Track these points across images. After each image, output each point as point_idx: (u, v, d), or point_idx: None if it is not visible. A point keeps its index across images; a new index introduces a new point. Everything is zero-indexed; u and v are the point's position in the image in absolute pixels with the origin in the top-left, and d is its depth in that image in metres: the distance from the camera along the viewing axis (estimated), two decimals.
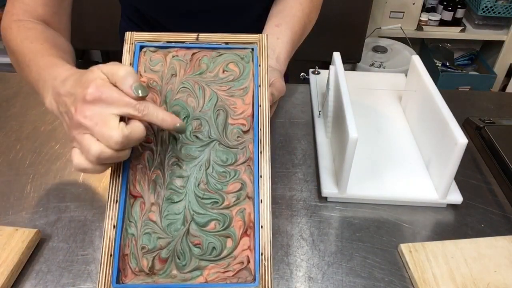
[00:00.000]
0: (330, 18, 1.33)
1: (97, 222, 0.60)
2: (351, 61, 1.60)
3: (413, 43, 2.01)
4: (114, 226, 0.44)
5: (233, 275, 0.43)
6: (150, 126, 0.48)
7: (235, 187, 0.46)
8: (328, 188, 0.65)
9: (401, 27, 1.96)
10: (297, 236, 0.60)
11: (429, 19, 2.08)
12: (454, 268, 0.54)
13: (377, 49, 2.01)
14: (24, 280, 0.53)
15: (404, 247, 0.57)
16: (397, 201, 0.65)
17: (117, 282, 0.42)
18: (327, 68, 0.78)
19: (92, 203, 0.63)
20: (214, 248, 0.44)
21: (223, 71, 0.51)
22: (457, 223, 0.63)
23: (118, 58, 0.51)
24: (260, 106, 0.49)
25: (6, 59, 1.89)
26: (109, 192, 0.45)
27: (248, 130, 0.48)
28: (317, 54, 1.28)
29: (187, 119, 0.48)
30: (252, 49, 0.52)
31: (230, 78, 0.50)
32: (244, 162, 0.47)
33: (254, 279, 0.42)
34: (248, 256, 0.43)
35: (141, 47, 0.51)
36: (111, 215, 0.44)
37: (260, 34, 0.52)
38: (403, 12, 2.04)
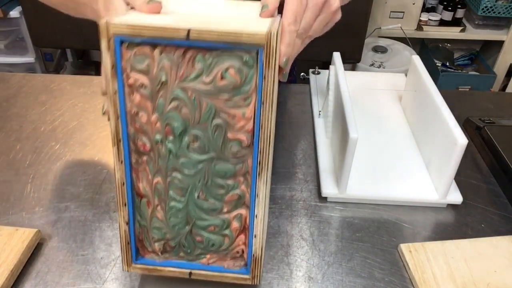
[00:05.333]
0: None
1: (97, 222, 0.60)
2: (351, 61, 1.60)
3: (413, 43, 2.01)
4: (126, 223, 0.48)
5: (230, 259, 0.50)
6: (147, 134, 0.45)
7: (232, 197, 0.47)
8: (328, 188, 0.65)
9: (401, 27, 1.96)
10: (297, 236, 0.60)
11: (429, 19, 2.08)
12: (454, 268, 0.54)
13: (377, 49, 2.01)
14: (24, 280, 0.53)
15: (404, 247, 0.57)
16: (397, 201, 0.65)
17: (136, 259, 0.50)
18: (327, 68, 0.78)
19: (92, 203, 0.63)
20: (213, 244, 0.49)
21: (222, 78, 0.42)
22: (457, 223, 0.63)
23: None
24: (261, 127, 0.42)
25: (6, 59, 1.89)
26: (117, 198, 0.47)
27: (248, 146, 0.44)
28: (317, 54, 1.28)
29: (183, 134, 0.44)
30: (257, 51, 0.40)
31: (229, 87, 0.42)
32: (242, 176, 0.46)
33: (246, 265, 0.50)
34: (243, 249, 0.49)
35: (122, 42, 0.41)
36: (123, 215, 0.48)
37: (269, 32, 0.39)
38: (403, 12, 2.04)
